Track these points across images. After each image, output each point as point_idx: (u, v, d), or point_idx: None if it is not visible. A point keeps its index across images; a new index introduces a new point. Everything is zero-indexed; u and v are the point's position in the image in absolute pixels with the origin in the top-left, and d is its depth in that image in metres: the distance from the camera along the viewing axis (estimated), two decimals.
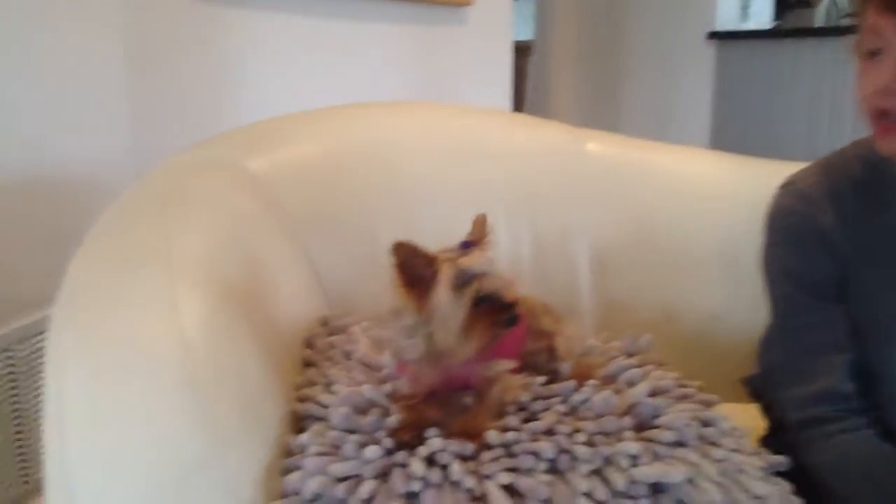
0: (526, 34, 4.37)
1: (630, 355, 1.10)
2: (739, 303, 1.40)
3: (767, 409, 1.18)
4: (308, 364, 1.08)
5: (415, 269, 0.83)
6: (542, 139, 1.53)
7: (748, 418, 1.09)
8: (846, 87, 1.84)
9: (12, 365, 1.43)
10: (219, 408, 0.82)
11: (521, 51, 3.72)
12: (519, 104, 3.62)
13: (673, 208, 1.48)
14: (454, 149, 1.46)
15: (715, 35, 3.77)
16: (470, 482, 0.80)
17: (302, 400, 0.98)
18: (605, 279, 1.46)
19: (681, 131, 3.69)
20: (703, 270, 1.45)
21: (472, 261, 0.85)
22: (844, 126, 3.20)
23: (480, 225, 0.90)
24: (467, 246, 0.88)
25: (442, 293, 0.83)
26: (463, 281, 0.83)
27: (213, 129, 1.39)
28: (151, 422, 0.79)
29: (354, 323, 1.17)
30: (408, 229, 1.36)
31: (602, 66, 4.04)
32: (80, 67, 1.74)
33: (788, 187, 1.11)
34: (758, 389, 1.20)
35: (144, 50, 1.87)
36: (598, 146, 1.54)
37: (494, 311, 0.85)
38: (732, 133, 3.58)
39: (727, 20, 3.83)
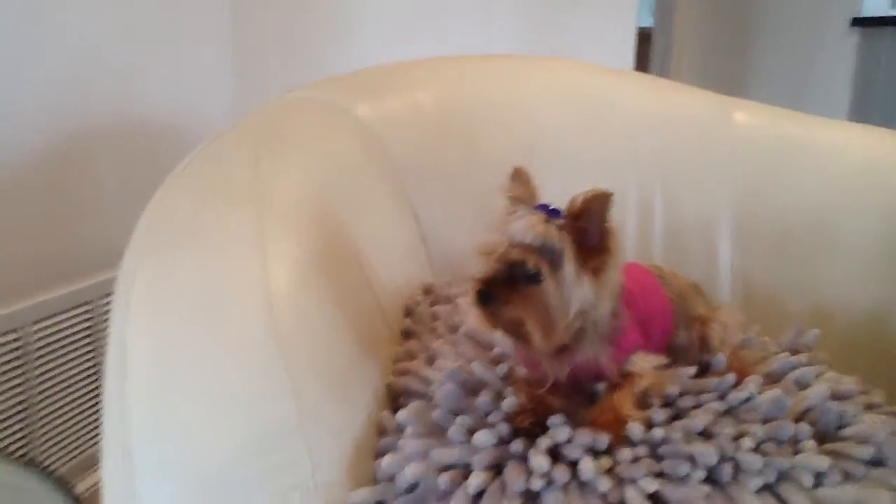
0: (647, 21, 4.11)
1: (793, 353, 0.92)
2: None
3: None
4: (408, 335, 0.94)
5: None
6: (684, 106, 1.34)
7: None
8: None
9: (90, 319, 1.36)
10: (306, 372, 0.68)
11: (643, 38, 3.48)
12: None
13: (831, 188, 1.26)
14: (583, 111, 1.29)
15: (860, 21, 3.40)
16: (605, 485, 0.64)
17: (400, 374, 0.84)
18: (747, 267, 1.26)
19: None
20: (865, 261, 1.22)
21: (516, 226, 0.68)
22: None
23: (589, 202, 0.68)
24: (545, 210, 0.71)
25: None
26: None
27: (318, 77, 1.27)
28: (228, 378, 0.66)
29: (462, 293, 1.02)
30: None
31: (728, 54, 3.73)
32: (185, 11, 1.65)
33: None
34: None
35: None
36: (747, 116, 1.33)
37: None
38: None
39: (875, 5, 3.46)
